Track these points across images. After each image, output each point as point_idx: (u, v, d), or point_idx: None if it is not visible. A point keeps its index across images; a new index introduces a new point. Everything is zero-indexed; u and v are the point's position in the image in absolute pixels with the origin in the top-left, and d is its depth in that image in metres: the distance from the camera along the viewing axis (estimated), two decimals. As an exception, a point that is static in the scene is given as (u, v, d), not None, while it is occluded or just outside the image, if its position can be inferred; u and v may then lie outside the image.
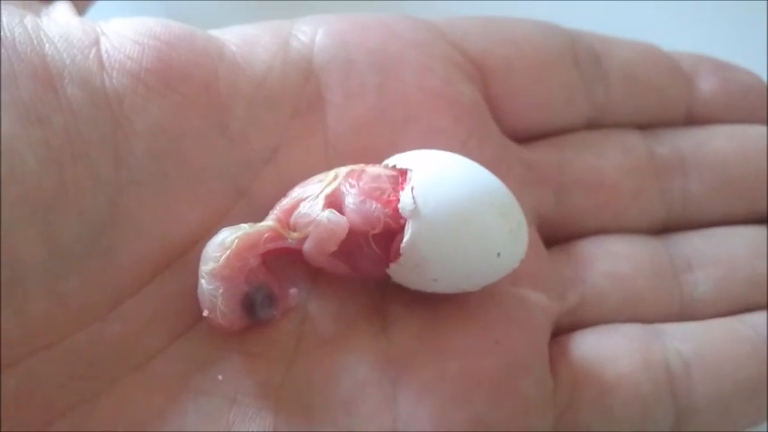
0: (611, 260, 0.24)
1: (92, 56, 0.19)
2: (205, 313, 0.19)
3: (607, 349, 0.22)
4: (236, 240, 0.19)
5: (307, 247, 0.19)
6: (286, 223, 0.19)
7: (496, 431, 0.19)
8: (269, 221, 0.19)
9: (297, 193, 0.20)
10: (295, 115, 0.21)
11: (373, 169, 0.20)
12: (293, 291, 0.20)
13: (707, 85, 0.26)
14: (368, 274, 0.20)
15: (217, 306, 0.19)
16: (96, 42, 0.19)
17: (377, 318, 0.20)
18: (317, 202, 0.19)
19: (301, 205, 0.19)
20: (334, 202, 0.19)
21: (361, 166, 0.20)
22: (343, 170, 0.20)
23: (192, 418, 0.18)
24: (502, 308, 0.21)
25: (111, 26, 0.20)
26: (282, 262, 0.20)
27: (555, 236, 0.24)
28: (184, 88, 0.20)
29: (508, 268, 0.20)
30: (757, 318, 0.23)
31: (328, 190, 0.19)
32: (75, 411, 0.18)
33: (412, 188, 0.19)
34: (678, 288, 0.24)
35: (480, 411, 0.19)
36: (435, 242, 0.19)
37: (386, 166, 0.20)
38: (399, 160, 0.20)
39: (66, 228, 0.18)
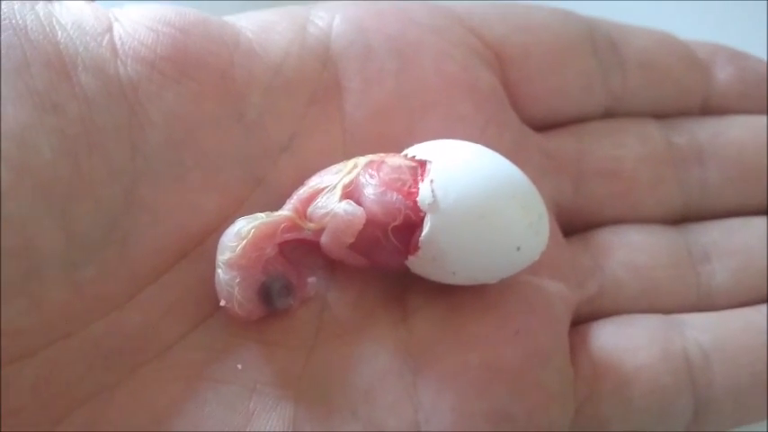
0: (629, 250, 0.23)
1: (105, 43, 0.19)
2: (222, 303, 0.19)
3: (626, 340, 0.22)
4: (253, 230, 0.18)
5: (324, 239, 0.19)
6: (303, 213, 0.19)
7: (518, 422, 0.19)
8: (286, 211, 0.19)
9: (314, 182, 0.19)
10: (312, 102, 0.21)
11: (393, 159, 0.19)
12: (312, 280, 0.20)
13: (723, 74, 0.26)
14: (386, 266, 0.20)
15: (234, 296, 0.18)
16: (110, 29, 0.19)
17: (396, 307, 0.20)
18: (334, 193, 0.19)
19: (319, 197, 0.19)
20: (352, 192, 0.19)
21: (381, 155, 0.20)
22: (362, 160, 0.20)
23: (211, 408, 0.18)
24: (522, 297, 0.21)
25: (124, 13, 0.20)
26: (301, 251, 0.20)
27: (573, 225, 0.24)
28: (200, 76, 0.19)
29: (528, 261, 0.20)
30: None
31: (346, 180, 0.19)
32: (93, 401, 0.18)
33: (431, 181, 0.19)
34: (695, 278, 0.23)
35: (502, 402, 0.19)
36: (454, 235, 0.19)
37: (405, 157, 0.20)
38: (419, 150, 0.20)
39: (82, 217, 0.18)
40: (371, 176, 0.19)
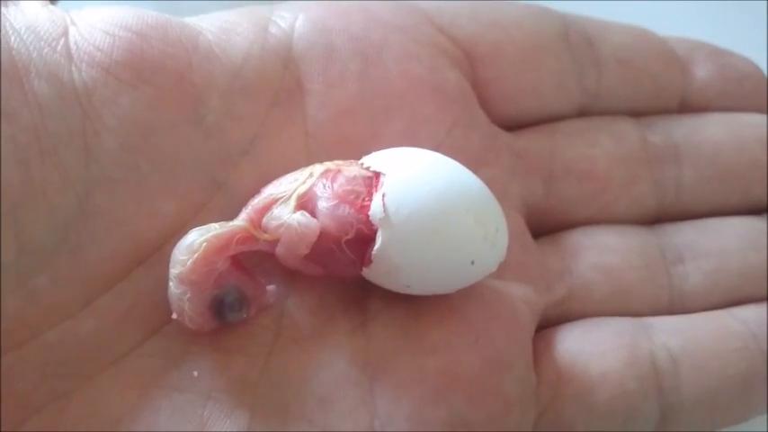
0: (600, 252, 0.23)
1: (60, 48, 0.19)
2: (174, 316, 0.18)
3: (593, 344, 0.21)
4: (204, 244, 0.18)
5: (278, 250, 0.19)
6: (258, 223, 0.19)
7: (476, 430, 0.19)
8: (240, 221, 0.19)
9: (270, 191, 0.19)
10: (274, 105, 0.21)
11: (349, 170, 0.19)
12: (271, 288, 0.20)
13: (702, 71, 0.25)
14: (342, 276, 0.19)
15: (184, 310, 0.18)
16: (65, 33, 0.19)
17: (356, 313, 0.20)
18: (288, 203, 0.19)
19: (273, 207, 0.19)
20: (306, 202, 0.19)
21: (338, 164, 0.19)
22: (318, 169, 0.19)
23: (165, 416, 0.18)
24: (484, 303, 0.20)
25: (81, 16, 0.20)
26: (259, 256, 0.20)
27: (544, 226, 0.24)
28: (156, 80, 0.19)
29: (484, 274, 0.20)
30: (748, 311, 0.22)
31: (301, 190, 0.19)
32: (48, 409, 0.18)
33: (383, 195, 0.18)
34: (668, 280, 0.23)
35: (459, 410, 0.19)
36: (407, 250, 0.18)
37: (362, 166, 0.19)
38: (375, 160, 0.19)
39: (34, 226, 0.18)
40: (325, 188, 0.19)
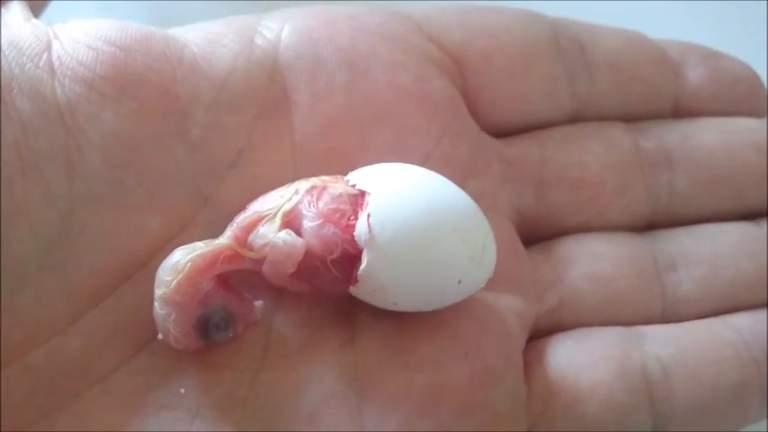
0: (592, 260, 0.23)
1: (42, 63, 0.18)
2: (160, 336, 0.18)
3: (584, 355, 0.21)
4: (189, 264, 0.18)
5: (265, 268, 0.19)
6: (243, 241, 0.19)
7: None
8: (225, 240, 0.19)
9: (255, 208, 0.19)
10: (260, 117, 0.21)
11: (335, 187, 0.19)
12: (258, 303, 0.19)
13: (695, 75, 0.25)
14: (328, 293, 0.19)
15: (169, 331, 0.18)
16: (48, 48, 0.19)
17: (345, 327, 0.20)
18: (274, 221, 0.19)
19: (259, 225, 0.19)
20: (292, 220, 0.19)
21: (323, 180, 0.19)
22: (303, 185, 0.19)
23: None
24: (474, 316, 0.20)
25: (65, 30, 0.19)
26: (246, 272, 0.20)
27: (535, 234, 0.24)
28: (140, 94, 0.19)
29: (471, 291, 0.20)
30: (741, 319, 0.22)
31: (287, 207, 0.19)
32: (35, 428, 0.18)
33: (368, 215, 0.18)
34: (661, 288, 0.23)
35: (448, 423, 0.19)
36: (392, 270, 0.18)
37: (347, 183, 0.19)
38: (361, 177, 0.19)
39: (18, 244, 0.17)
40: (310, 206, 0.19)
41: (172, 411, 0.18)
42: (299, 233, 0.18)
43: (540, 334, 0.22)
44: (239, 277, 0.19)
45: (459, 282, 0.19)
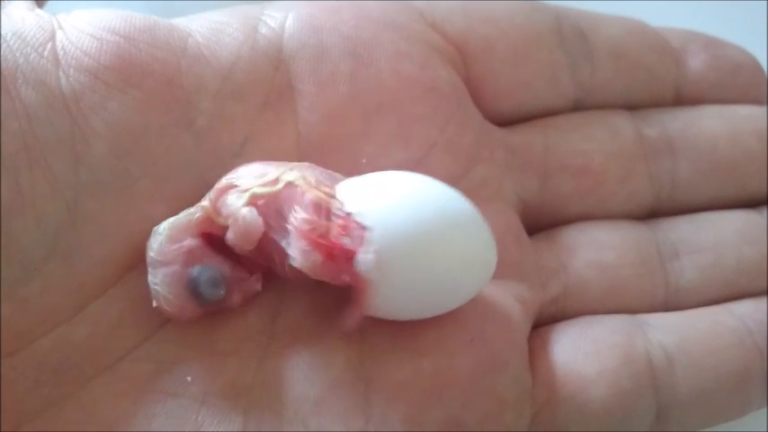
0: (596, 248, 0.23)
1: (47, 53, 0.18)
2: (154, 304, 0.18)
3: (588, 343, 0.21)
4: (168, 226, 0.18)
5: (228, 236, 0.19)
6: (215, 204, 0.19)
7: (471, 431, 0.19)
8: (203, 202, 0.19)
9: (231, 176, 0.19)
10: (264, 106, 0.21)
11: (312, 194, 0.18)
12: (256, 275, 0.19)
13: (696, 62, 0.25)
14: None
15: (159, 293, 0.18)
16: (52, 38, 0.19)
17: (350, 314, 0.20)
18: (243, 196, 0.18)
19: (229, 192, 0.19)
20: (262, 206, 0.18)
21: (303, 181, 0.19)
22: (288, 176, 0.19)
23: (159, 421, 0.18)
24: (479, 304, 0.20)
25: (69, 19, 0.19)
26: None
27: (539, 222, 0.24)
28: (145, 84, 0.19)
29: (476, 292, 0.20)
30: (744, 307, 0.22)
31: (259, 191, 0.18)
32: (42, 416, 0.18)
33: (374, 251, 0.18)
34: (664, 276, 0.23)
35: (454, 411, 0.19)
36: (401, 296, 0.18)
37: (327, 193, 0.19)
38: (351, 193, 0.19)
39: (24, 234, 0.17)
40: (293, 218, 0.18)
41: (178, 399, 0.18)
42: (266, 219, 0.18)
43: (544, 322, 0.22)
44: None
45: (467, 287, 0.19)
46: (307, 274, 0.18)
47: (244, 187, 0.19)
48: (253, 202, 0.18)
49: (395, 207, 0.18)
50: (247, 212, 0.18)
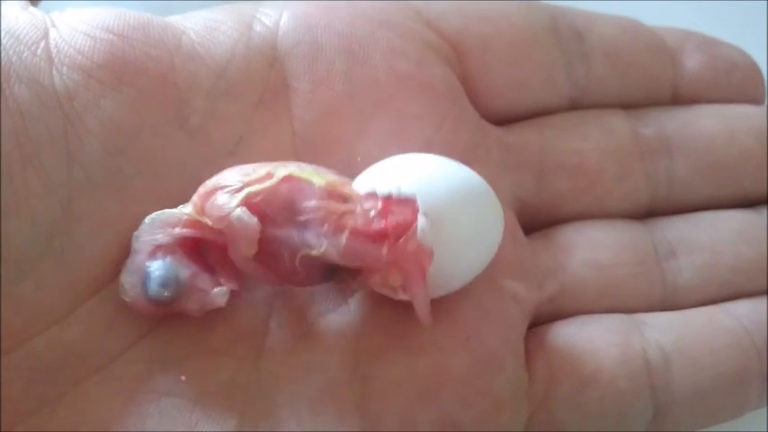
0: (592, 248, 0.23)
1: (40, 51, 0.18)
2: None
3: (585, 342, 0.21)
4: (154, 217, 0.18)
5: (229, 250, 0.18)
6: (202, 208, 0.18)
7: (466, 430, 0.19)
8: (186, 209, 0.19)
9: (217, 179, 0.19)
10: (259, 105, 0.21)
11: (321, 181, 0.18)
12: (220, 289, 0.19)
13: (692, 62, 0.25)
14: (291, 284, 0.19)
15: (121, 280, 0.18)
16: (45, 36, 0.19)
17: (346, 313, 0.20)
18: (235, 195, 0.18)
19: (217, 194, 0.18)
20: (258, 204, 0.18)
21: (303, 171, 0.19)
22: (281, 171, 0.19)
23: (153, 421, 0.18)
24: (475, 302, 0.20)
25: (62, 17, 0.19)
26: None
27: (535, 221, 0.24)
28: (139, 82, 0.19)
29: (489, 261, 0.20)
30: (740, 307, 0.22)
31: (255, 188, 0.18)
32: (36, 415, 0.18)
33: (425, 214, 0.18)
34: (661, 276, 0.23)
35: (449, 410, 0.19)
36: (446, 258, 0.19)
37: (330, 180, 0.19)
38: (374, 175, 0.19)
39: (17, 233, 0.17)
40: (306, 207, 0.18)
41: (172, 399, 0.18)
42: (262, 219, 0.18)
43: (540, 321, 0.22)
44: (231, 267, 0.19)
45: (487, 249, 0.20)
46: (330, 260, 0.18)
47: (234, 187, 0.18)
48: (249, 200, 0.18)
49: (422, 178, 0.19)
50: (241, 213, 0.18)
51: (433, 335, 0.20)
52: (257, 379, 0.19)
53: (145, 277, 0.18)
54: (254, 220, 0.18)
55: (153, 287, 0.18)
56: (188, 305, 0.18)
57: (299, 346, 0.19)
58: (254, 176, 0.18)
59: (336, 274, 0.19)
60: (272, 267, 0.18)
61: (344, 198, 0.18)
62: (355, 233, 0.18)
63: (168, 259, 0.18)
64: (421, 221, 0.18)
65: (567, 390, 0.20)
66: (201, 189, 0.19)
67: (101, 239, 0.19)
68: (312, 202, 0.18)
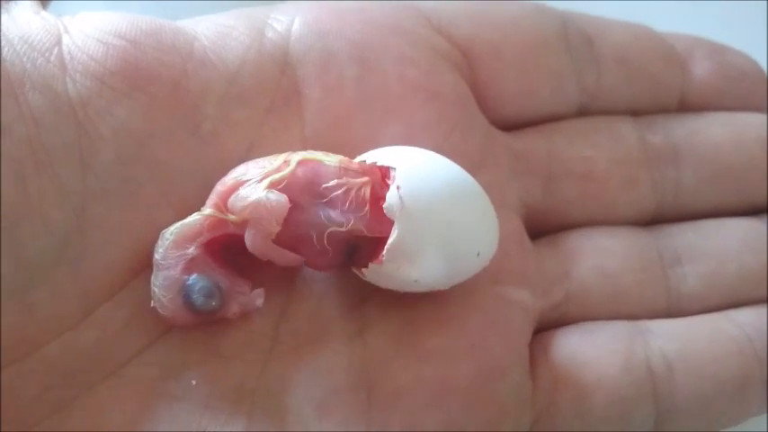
0: (599, 255, 0.23)
1: (53, 58, 0.18)
2: (152, 304, 0.19)
3: (589, 349, 0.21)
4: (176, 231, 0.19)
5: (248, 234, 0.19)
6: (223, 206, 0.19)
7: None
8: (206, 209, 0.19)
9: (234, 174, 0.19)
10: (270, 111, 0.21)
11: (334, 160, 0.19)
12: (257, 291, 0.19)
13: (701, 69, 0.25)
14: (315, 266, 0.19)
15: (157, 296, 0.18)
16: (58, 42, 0.19)
17: (354, 319, 0.20)
18: (259, 185, 0.19)
19: (240, 188, 0.19)
20: (283, 190, 0.19)
21: (315, 156, 0.19)
22: (295, 157, 0.19)
23: (164, 425, 0.18)
24: (481, 309, 0.21)
25: (75, 23, 0.19)
26: (259, 263, 0.20)
27: (542, 227, 0.24)
28: (151, 88, 0.19)
29: (482, 266, 0.20)
30: (744, 315, 0.22)
31: (276, 177, 0.19)
32: (50, 420, 0.18)
33: (398, 187, 0.18)
34: (666, 283, 0.23)
35: (454, 417, 0.19)
36: (420, 243, 0.19)
37: (363, 163, 0.19)
38: (371, 157, 0.19)
39: (32, 240, 0.18)
40: (326, 187, 0.19)
41: (183, 403, 0.19)
42: (293, 201, 0.19)
43: (545, 327, 0.22)
44: (253, 268, 0.19)
45: (478, 254, 0.19)
46: (355, 234, 0.19)
47: (256, 178, 0.19)
48: (273, 188, 0.19)
49: (416, 161, 0.19)
50: (270, 194, 0.18)
51: (439, 342, 0.20)
52: (266, 383, 0.19)
53: (186, 290, 0.19)
54: (284, 196, 0.18)
55: (200, 300, 0.19)
56: (230, 310, 0.19)
57: (307, 351, 0.20)
58: (272, 166, 0.19)
59: (357, 253, 0.19)
60: (300, 252, 0.19)
61: (357, 172, 0.19)
62: (374, 201, 0.19)
63: (206, 272, 0.19)
64: (391, 192, 0.18)
65: (570, 398, 0.21)
66: (219, 187, 0.19)
67: (114, 246, 0.19)
68: (332, 182, 0.19)
